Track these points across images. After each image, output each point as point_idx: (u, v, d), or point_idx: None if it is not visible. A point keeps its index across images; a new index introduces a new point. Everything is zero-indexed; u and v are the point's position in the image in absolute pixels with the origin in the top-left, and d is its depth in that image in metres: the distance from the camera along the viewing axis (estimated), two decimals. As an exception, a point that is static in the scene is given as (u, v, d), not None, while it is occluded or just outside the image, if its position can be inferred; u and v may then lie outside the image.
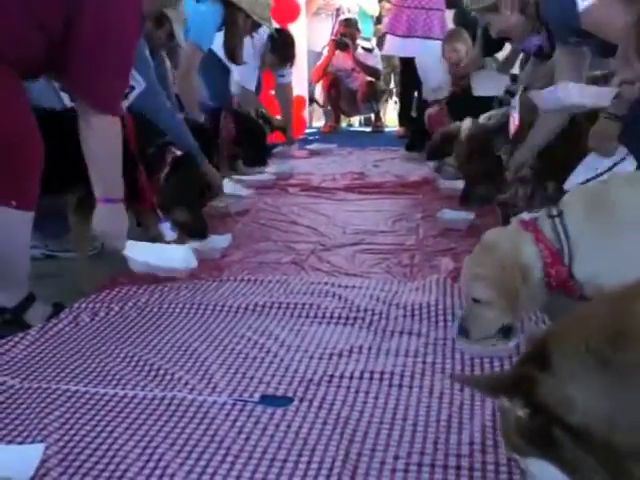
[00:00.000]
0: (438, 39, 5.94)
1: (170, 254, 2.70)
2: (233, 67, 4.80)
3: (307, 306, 2.48)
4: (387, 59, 7.95)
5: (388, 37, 6.32)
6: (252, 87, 5.21)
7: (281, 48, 5.04)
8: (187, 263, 2.72)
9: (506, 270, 1.93)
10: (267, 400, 1.85)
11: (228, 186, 3.96)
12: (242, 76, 5.03)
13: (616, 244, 1.81)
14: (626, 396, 0.99)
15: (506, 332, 2.07)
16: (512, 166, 3.16)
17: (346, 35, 7.51)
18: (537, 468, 1.13)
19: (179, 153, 2.99)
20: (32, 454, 1.53)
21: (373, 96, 7.59)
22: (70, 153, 2.39)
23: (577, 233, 1.88)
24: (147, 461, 1.57)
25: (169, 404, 1.82)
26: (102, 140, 2.31)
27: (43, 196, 2.77)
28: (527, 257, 1.93)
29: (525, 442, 1.13)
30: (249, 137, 4.58)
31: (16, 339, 2.19)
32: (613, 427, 1.01)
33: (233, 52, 4.31)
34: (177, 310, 2.47)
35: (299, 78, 7.02)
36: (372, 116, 8.11)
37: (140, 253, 2.57)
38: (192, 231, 3.00)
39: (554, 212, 1.92)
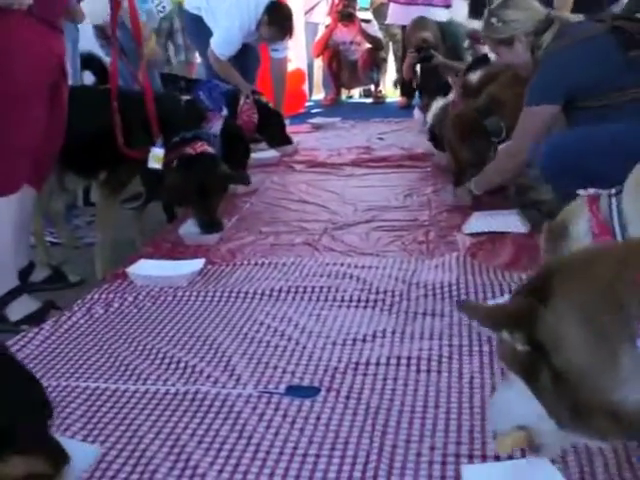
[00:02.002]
0: (440, 6, 6.02)
1: (174, 267, 2.63)
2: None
3: (325, 289, 2.42)
4: (386, 28, 7.85)
5: (391, 5, 6.38)
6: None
7: (279, 21, 4.91)
8: (191, 268, 2.63)
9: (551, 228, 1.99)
10: (293, 391, 1.79)
11: None
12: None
13: None
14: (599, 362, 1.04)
15: None
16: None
17: (348, 7, 7.40)
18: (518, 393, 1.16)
19: (199, 150, 2.90)
20: (87, 454, 1.51)
21: (375, 65, 7.49)
22: (101, 135, 2.57)
23: (630, 212, 1.87)
24: (175, 461, 1.52)
25: (193, 399, 1.76)
26: None
27: (76, 176, 2.94)
28: (580, 225, 1.94)
29: (516, 372, 1.16)
30: (270, 121, 4.51)
31: (30, 334, 2.13)
32: (581, 383, 1.06)
33: None
34: (192, 298, 2.41)
35: (297, 51, 6.89)
36: (372, 87, 8.00)
37: (143, 269, 2.58)
38: (203, 227, 2.96)
39: (613, 191, 1.92)
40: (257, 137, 4.63)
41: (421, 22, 5.62)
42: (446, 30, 5.73)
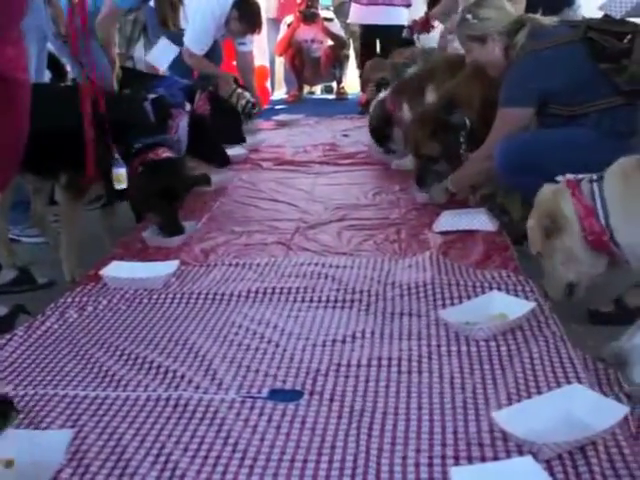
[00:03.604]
0: (400, 5, 6.14)
1: (148, 269, 2.59)
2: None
3: (301, 290, 2.42)
4: (346, 25, 7.88)
5: (352, 5, 6.49)
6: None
7: (248, 16, 4.90)
8: (165, 270, 2.59)
9: (538, 221, 2.13)
10: (277, 395, 1.79)
11: None
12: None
13: None
14: None
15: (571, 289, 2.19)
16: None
17: (311, 7, 7.39)
18: None
19: (163, 156, 2.85)
20: (59, 439, 1.52)
21: (337, 62, 7.51)
22: (62, 133, 2.52)
23: (612, 195, 2.01)
24: (162, 470, 1.50)
25: (175, 405, 1.75)
26: None
27: (35, 177, 2.87)
28: (566, 210, 2.06)
29: None
30: (226, 118, 4.45)
31: (2, 341, 2.08)
32: None
33: (165, 19, 4.61)
34: (168, 300, 2.38)
35: (260, 48, 6.86)
36: (334, 84, 8.01)
37: (117, 271, 2.54)
38: (165, 231, 2.92)
39: (595, 177, 2.05)
40: None
41: (377, 64, 5.80)
42: (400, 70, 5.84)
